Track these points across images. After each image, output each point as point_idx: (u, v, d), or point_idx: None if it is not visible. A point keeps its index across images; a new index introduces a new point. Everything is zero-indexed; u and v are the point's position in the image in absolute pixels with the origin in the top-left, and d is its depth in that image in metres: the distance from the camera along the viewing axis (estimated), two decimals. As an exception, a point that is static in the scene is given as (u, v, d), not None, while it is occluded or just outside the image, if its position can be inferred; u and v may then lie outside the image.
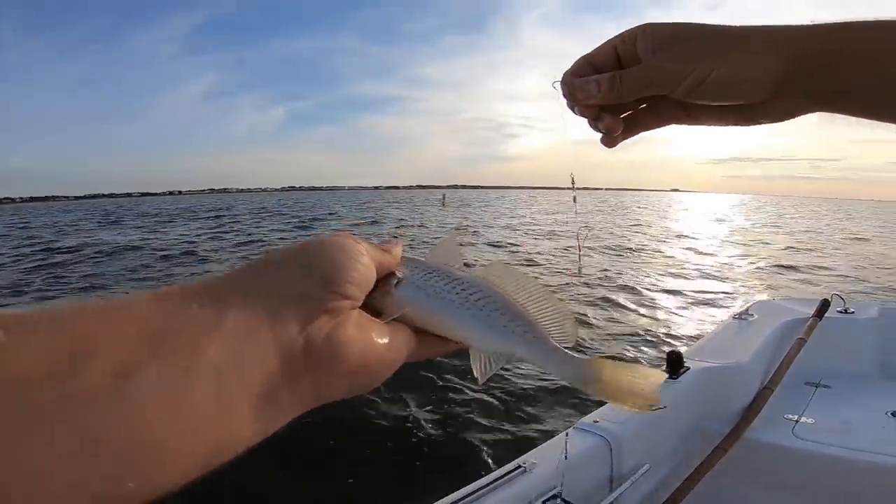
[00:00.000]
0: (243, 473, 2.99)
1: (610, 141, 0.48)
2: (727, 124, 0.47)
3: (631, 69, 0.44)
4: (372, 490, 2.86)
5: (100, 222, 28.92)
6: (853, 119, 0.43)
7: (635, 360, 4.82)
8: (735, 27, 0.43)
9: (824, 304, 2.45)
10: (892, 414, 1.90)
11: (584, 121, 0.47)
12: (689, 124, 0.49)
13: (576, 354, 0.41)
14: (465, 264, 0.44)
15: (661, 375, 0.40)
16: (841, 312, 2.49)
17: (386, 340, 0.36)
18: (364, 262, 0.36)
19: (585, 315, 6.50)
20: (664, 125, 0.49)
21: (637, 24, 0.44)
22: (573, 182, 0.71)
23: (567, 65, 0.47)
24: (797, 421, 1.89)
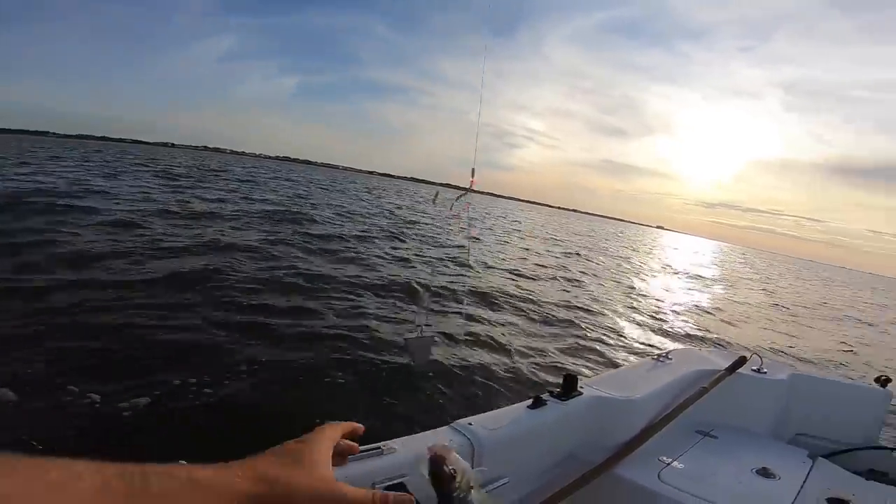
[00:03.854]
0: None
1: None
2: None
3: None
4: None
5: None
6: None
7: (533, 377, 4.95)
8: None
9: (740, 360, 2.51)
10: (757, 472, 1.93)
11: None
12: None
13: None
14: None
15: None
16: (754, 371, 2.55)
17: None
18: None
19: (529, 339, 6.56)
20: None
21: None
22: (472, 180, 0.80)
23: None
24: (668, 464, 1.91)
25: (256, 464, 0.52)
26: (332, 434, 0.60)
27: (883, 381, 2.50)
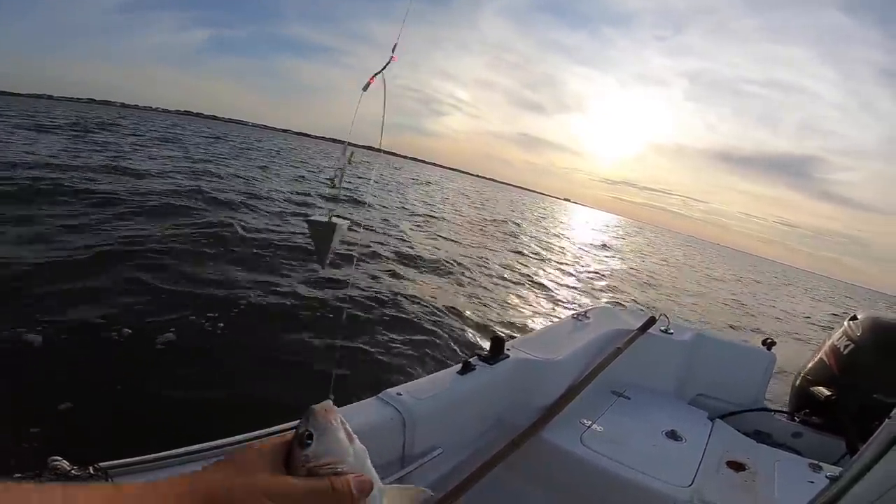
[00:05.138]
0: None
1: None
2: None
3: None
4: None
5: None
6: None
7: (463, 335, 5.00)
8: None
9: (650, 321, 2.64)
10: (666, 434, 2.06)
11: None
12: None
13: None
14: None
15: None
16: (663, 331, 2.69)
17: None
18: None
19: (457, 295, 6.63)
20: None
21: None
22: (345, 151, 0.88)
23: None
24: (588, 427, 1.99)
25: (191, 476, 0.47)
26: (276, 440, 0.53)
27: (769, 344, 2.72)
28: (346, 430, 0.52)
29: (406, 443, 1.46)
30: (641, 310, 4.73)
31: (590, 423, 2.01)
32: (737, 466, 1.90)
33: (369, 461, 0.52)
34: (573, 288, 10.17)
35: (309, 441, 0.49)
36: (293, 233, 8.30)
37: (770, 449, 2.13)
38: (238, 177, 14.93)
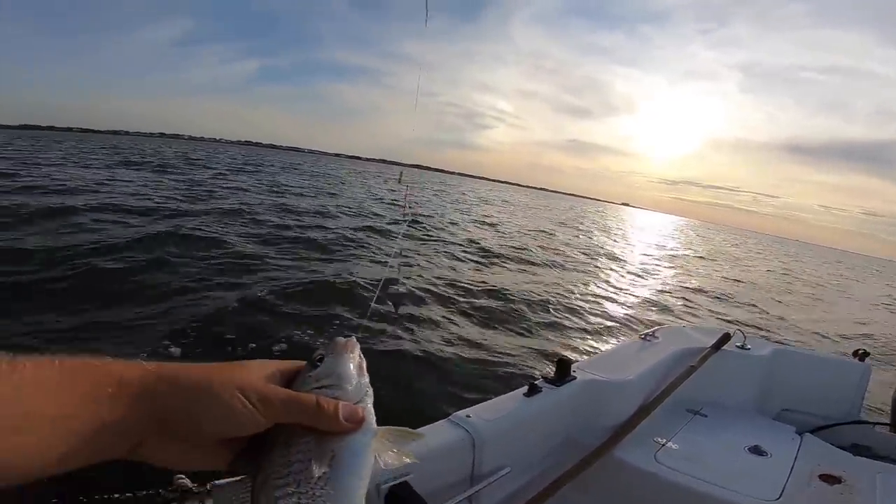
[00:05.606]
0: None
1: None
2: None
3: None
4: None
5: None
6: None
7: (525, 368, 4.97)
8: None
9: (724, 338, 2.54)
10: (749, 450, 1.96)
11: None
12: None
13: None
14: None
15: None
16: (739, 347, 2.58)
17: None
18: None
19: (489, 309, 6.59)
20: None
21: None
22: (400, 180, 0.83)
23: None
24: (663, 445, 1.93)
25: (174, 365, 0.44)
26: (288, 363, 0.49)
27: (861, 355, 2.56)
28: (360, 365, 0.50)
29: (475, 462, 1.51)
30: (708, 326, 4.54)
31: (664, 441, 1.96)
32: (831, 480, 1.78)
33: (371, 401, 0.49)
34: (650, 302, 9.67)
35: (318, 363, 0.48)
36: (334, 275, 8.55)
37: (869, 461, 1.98)
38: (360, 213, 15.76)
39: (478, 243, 13.00)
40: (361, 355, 0.51)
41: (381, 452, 0.46)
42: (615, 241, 24.00)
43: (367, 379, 0.50)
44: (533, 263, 11.63)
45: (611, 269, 13.28)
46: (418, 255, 9.96)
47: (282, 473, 0.42)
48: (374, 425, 0.47)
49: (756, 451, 1.96)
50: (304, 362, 0.49)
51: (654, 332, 2.62)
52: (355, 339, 0.51)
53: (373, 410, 0.48)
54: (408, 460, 0.47)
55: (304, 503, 0.41)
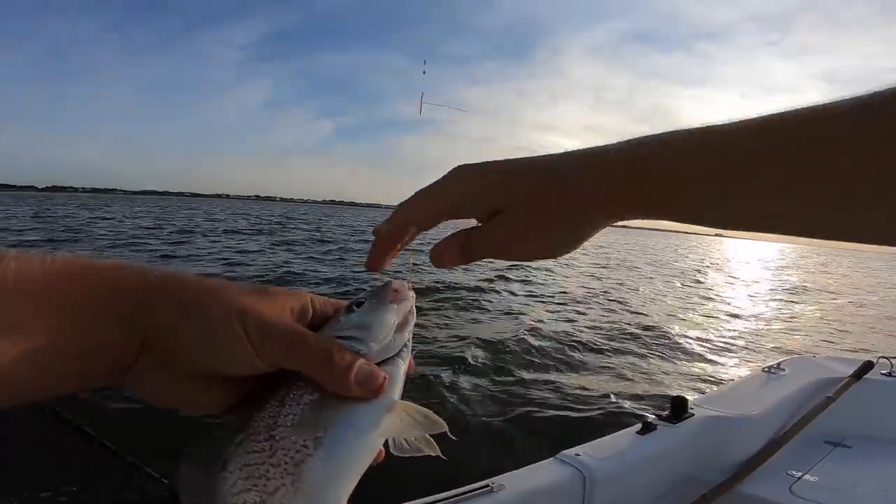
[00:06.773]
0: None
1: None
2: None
3: (475, 239, 0.40)
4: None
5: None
6: None
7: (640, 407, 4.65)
8: (545, 159, 0.39)
9: (867, 366, 2.31)
10: None
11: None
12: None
13: None
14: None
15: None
16: (885, 374, 2.34)
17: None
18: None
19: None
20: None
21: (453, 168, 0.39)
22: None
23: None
24: (799, 478, 1.77)
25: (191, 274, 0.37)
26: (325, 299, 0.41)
27: None
28: (405, 320, 0.40)
29: (586, 502, 1.45)
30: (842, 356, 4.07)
31: (800, 474, 1.79)
32: None
33: (404, 369, 0.38)
34: (758, 338, 8.78)
35: (355, 308, 0.39)
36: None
37: None
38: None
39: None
40: (413, 309, 0.41)
41: (396, 434, 0.36)
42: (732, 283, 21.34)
43: (406, 339, 0.39)
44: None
45: (706, 309, 12.26)
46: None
47: (261, 437, 0.33)
48: (395, 398, 0.37)
49: None
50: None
51: (779, 364, 2.44)
52: (408, 287, 0.41)
53: (401, 381, 0.38)
54: (431, 452, 0.37)
55: (274, 476, 0.32)
